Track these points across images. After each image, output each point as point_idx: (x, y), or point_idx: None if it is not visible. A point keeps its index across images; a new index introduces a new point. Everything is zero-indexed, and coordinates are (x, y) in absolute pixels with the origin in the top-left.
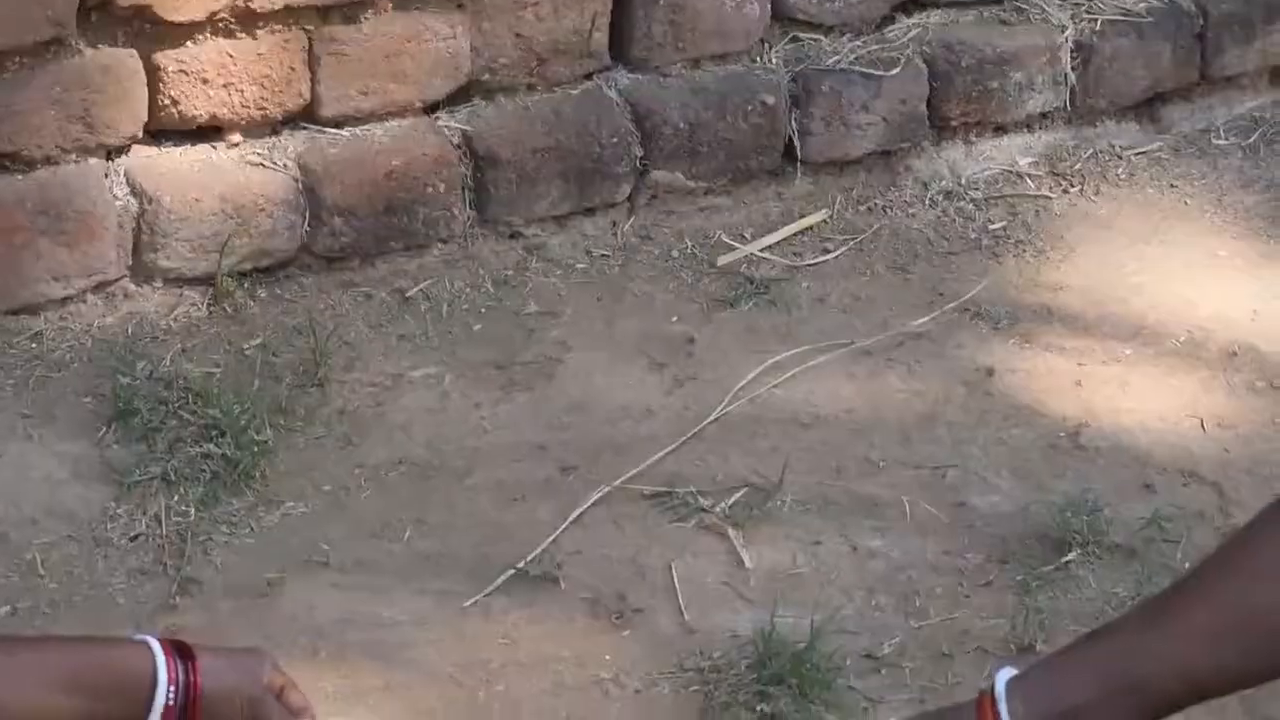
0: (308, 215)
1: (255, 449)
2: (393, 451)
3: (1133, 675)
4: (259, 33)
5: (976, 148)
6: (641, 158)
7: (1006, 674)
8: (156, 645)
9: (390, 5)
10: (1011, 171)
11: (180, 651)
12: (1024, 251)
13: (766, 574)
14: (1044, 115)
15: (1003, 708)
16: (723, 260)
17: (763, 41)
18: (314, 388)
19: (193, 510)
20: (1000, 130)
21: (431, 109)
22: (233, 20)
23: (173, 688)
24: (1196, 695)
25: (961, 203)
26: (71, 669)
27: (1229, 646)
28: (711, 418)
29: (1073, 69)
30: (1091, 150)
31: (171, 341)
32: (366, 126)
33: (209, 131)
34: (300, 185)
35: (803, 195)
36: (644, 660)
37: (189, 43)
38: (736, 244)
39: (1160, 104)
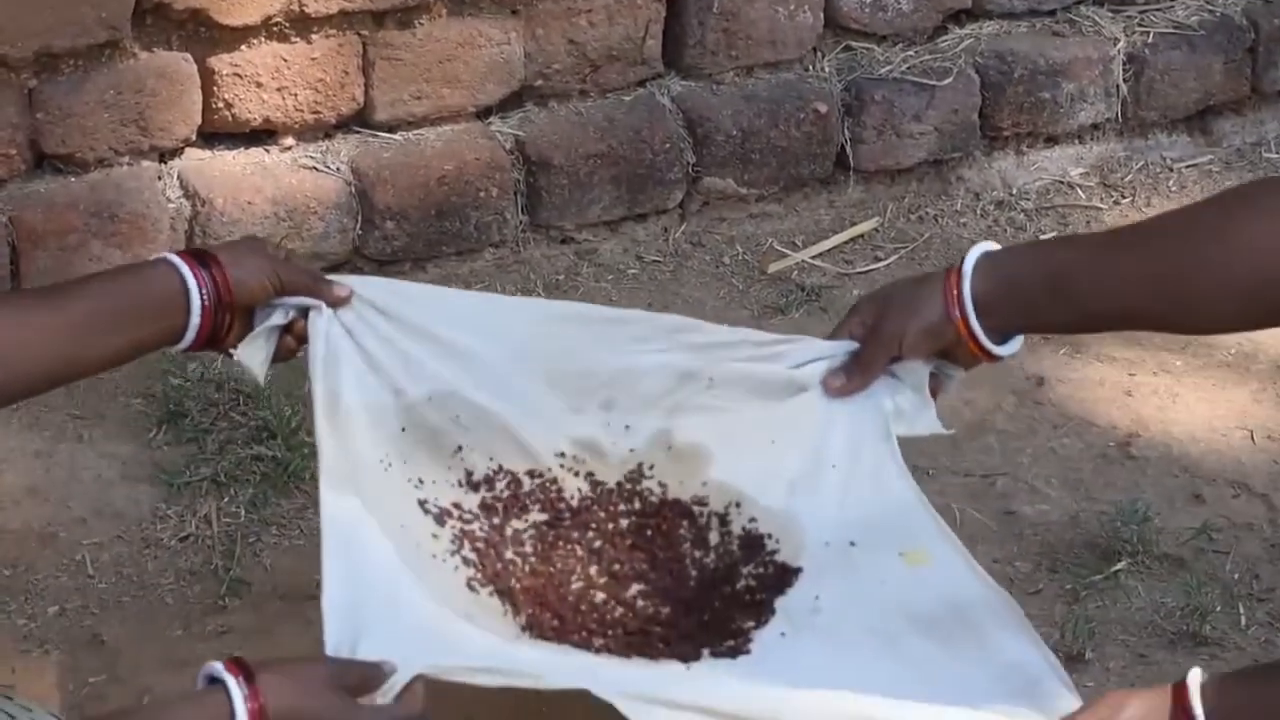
0: (360, 219)
1: (305, 451)
2: None
3: (1075, 285)
4: (313, 37)
5: (1028, 158)
6: (693, 164)
7: (980, 249)
8: (178, 260)
9: (445, 11)
10: (1062, 182)
11: (200, 258)
12: None
13: None
14: (1095, 126)
15: (966, 283)
16: (774, 267)
17: (815, 50)
18: None
19: (242, 511)
20: (1051, 141)
21: (484, 114)
22: (287, 24)
23: (204, 290)
24: (1123, 324)
25: (1013, 213)
26: (113, 311)
27: (1162, 289)
28: None
29: (1124, 81)
30: (1142, 162)
31: None
32: (419, 131)
33: (262, 135)
34: (353, 189)
35: (854, 203)
36: None
37: (243, 46)
38: (788, 251)
39: (1211, 117)
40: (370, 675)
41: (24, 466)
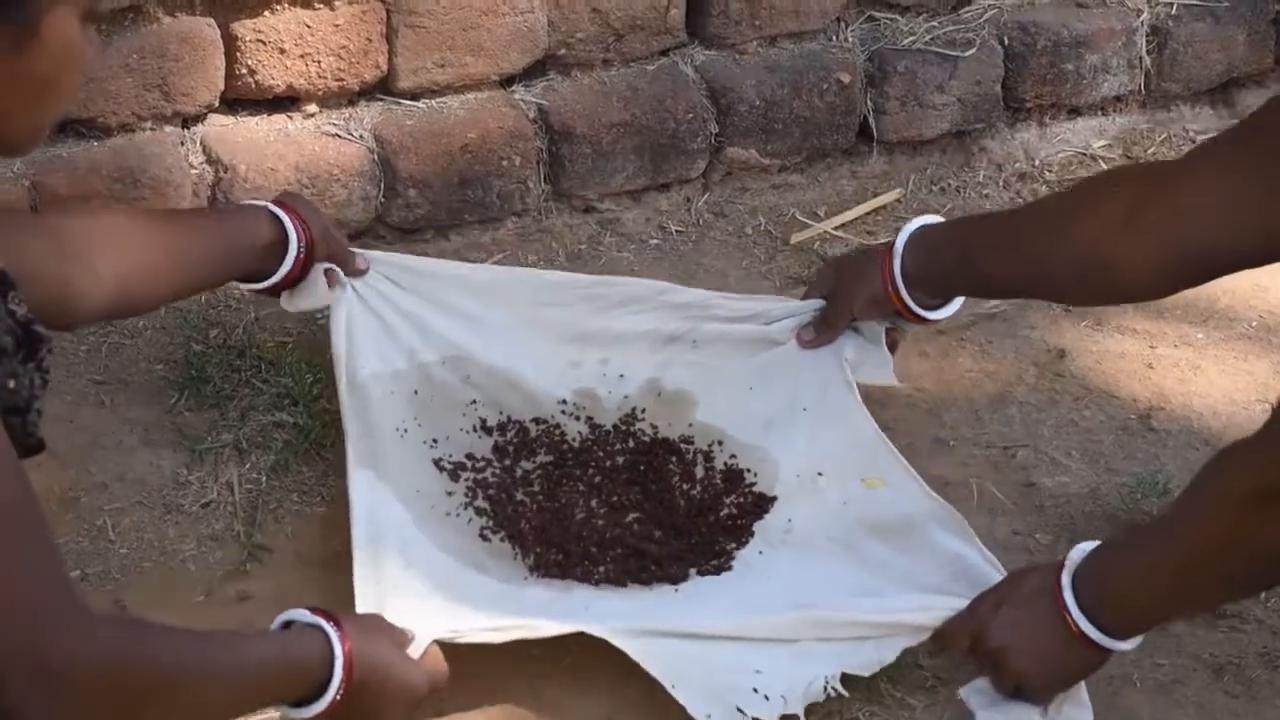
0: (383, 186)
1: (326, 418)
2: None
3: (977, 262)
4: (337, 3)
5: (1051, 130)
6: (716, 134)
7: (914, 225)
8: (282, 213)
9: None
10: (1085, 154)
11: (294, 213)
12: None
13: None
14: (1118, 98)
15: (897, 261)
16: (796, 238)
17: (839, 20)
18: None
19: (264, 478)
20: (1074, 113)
21: (507, 82)
22: None
23: (300, 243)
24: (1010, 294)
25: (1035, 184)
26: (227, 247)
27: (1028, 268)
28: None
29: (1148, 53)
30: (1165, 134)
31: (245, 310)
32: (442, 99)
33: (285, 101)
34: (376, 156)
35: (877, 174)
36: None
37: (267, 12)
38: (810, 222)
39: (1235, 89)
40: (405, 636)
41: (46, 431)
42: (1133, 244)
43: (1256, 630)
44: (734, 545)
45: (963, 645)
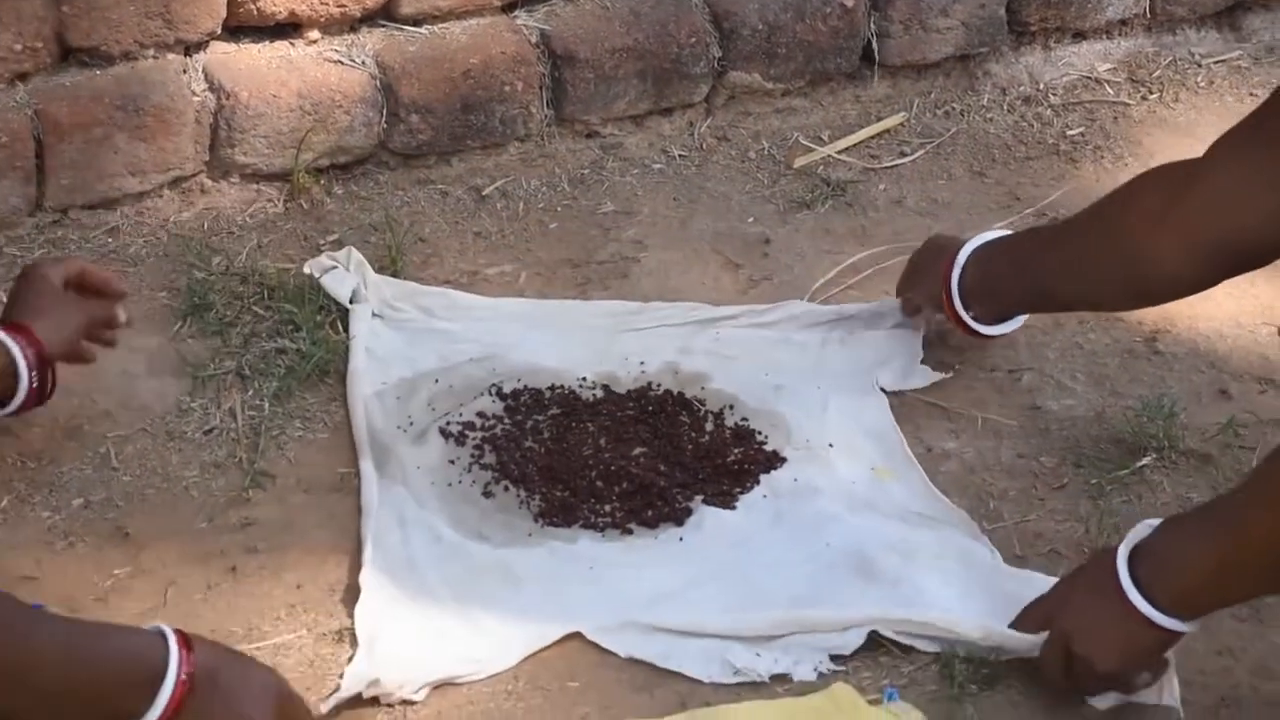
0: (385, 112)
1: (329, 344)
2: None
3: (1029, 277)
4: None
5: (1055, 53)
6: (719, 59)
7: (978, 240)
8: (5, 336)
9: None
10: (1090, 78)
11: (16, 328)
12: (1102, 157)
13: None
14: (1123, 22)
15: (955, 273)
16: (800, 162)
17: None
18: None
19: (267, 404)
20: (1079, 36)
21: (510, 8)
22: None
23: (33, 371)
24: (1059, 307)
25: (1040, 108)
26: None
27: (1073, 280)
28: None
29: None
30: (1171, 58)
31: (247, 237)
32: (445, 24)
33: (288, 28)
34: (378, 83)
35: (880, 98)
36: None
37: None
38: (814, 146)
39: (1241, 12)
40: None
41: None
42: (1167, 242)
43: None
44: (739, 490)
45: (1037, 626)
